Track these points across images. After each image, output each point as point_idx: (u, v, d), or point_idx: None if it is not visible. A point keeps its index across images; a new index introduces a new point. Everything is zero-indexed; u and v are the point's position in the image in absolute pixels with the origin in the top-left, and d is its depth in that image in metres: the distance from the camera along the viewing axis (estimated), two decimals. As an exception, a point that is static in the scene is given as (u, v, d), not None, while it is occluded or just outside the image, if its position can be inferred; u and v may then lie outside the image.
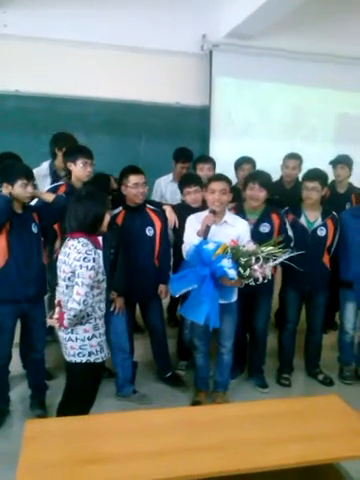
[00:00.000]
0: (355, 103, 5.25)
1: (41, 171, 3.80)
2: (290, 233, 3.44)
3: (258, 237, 3.12)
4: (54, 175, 3.78)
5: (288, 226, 3.45)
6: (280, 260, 3.07)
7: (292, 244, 3.38)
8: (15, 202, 2.86)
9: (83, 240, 2.37)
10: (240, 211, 3.40)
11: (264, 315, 3.61)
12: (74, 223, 2.42)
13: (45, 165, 3.85)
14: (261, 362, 3.74)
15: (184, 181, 3.57)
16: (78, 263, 2.33)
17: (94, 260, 2.35)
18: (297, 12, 4.42)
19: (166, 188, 4.24)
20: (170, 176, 4.27)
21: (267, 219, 3.38)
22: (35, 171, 3.77)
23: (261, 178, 3.35)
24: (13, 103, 4.47)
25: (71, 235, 2.44)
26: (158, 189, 4.30)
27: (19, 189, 2.82)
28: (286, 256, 3.08)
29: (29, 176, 2.87)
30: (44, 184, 3.67)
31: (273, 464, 1.90)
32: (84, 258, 2.32)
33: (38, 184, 3.70)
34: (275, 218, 3.40)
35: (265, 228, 3.35)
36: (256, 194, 3.32)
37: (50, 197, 3.06)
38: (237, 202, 3.49)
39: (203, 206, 3.28)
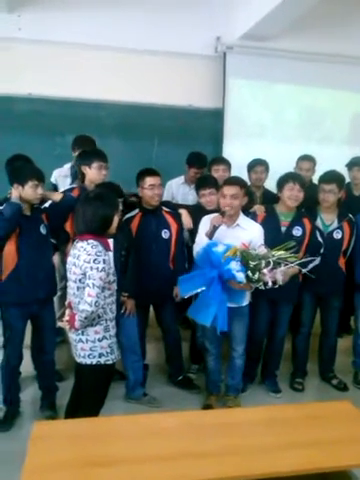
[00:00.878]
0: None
1: (62, 172, 3.83)
2: (320, 239, 3.39)
3: (291, 240, 3.01)
4: (75, 176, 3.78)
5: (318, 233, 3.40)
6: (310, 267, 3.13)
7: (322, 250, 3.35)
8: (24, 204, 2.87)
9: (92, 242, 2.36)
10: (272, 213, 3.36)
11: (285, 322, 3.57)
12: (82, 225, 2.42)
13: (67, 166, 3.87)
14: (276, 368, 3.70)
15: (200, 183, 3.56)
16: (88, 265, 2.32)
17: (104, 261, 2.34)
18: (311, 13, 4.37)
19: (177, 190, 4.23)
20: (182, 178, 4.25)
21: (299, 223, 3.33)
22: (57, 171, 3.82)
23: (301, 179, 3.31)
24: (26, 106, 4.50)
25: (80, 237, 2.43)
26: (169, 191, 4.28)
27: (29, 190, 2.83)
28: (311, 265, 3.15)
29: (39, 177, 2.88)
30: (65, 184, 3.69)
31: (283, 470, 1.88)
32: (94, 260, 2.32)
33: (59, 184, 3.73)
34: (307, 222, 3.35)
35: (297, 231, 3.29)
36: (295, 194, 3.25)
37: (58, 197, 3.07)
38: (268, 205, 3.47)
39: (219, 208, 3.26)
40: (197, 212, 3.43)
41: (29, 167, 3.03)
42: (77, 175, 3.68)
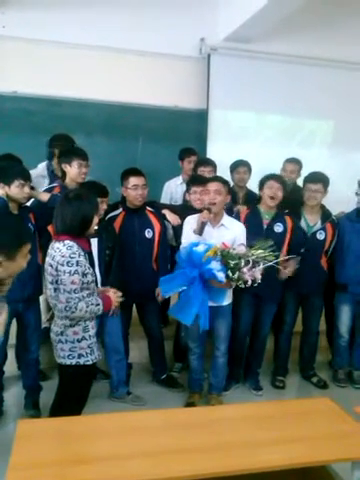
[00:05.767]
0: (352, 108, 5.26)
1: (37, 172, 3.79)
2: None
3: (272, 236, 3.16)
4: (52, 175, 3.78)
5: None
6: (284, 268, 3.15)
7: (303, 250, 3.41)
8: (11, 203, 2.87)
9: (68, 243, 2.32)
10: (255, 211, 3.43)
11: (269, 321, 3.62)
12: (61, 225, 2.38)
13: (42, 166, 3.85)
14: (258, 366, 3.75)
15: (193, 180, 3.61)
16: (62, 267, 2.28)
17: (78, 263, 2.30)
18: (295, 16, 4.44)
19: (176, 190, 4.27)
20: (179, 179, 4.30)
21: (281, 219, 3.40)
22: (32, 172, 3.79)
23: (281, 179, 3.40)
24: (11, 104, 4.46)
25: (57, 237, 2.39)
26: (168, 191, 4.33)
27: (16, 190, 2.83)
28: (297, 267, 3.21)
29: (26, 177, 2.88)
30: (42, 185, 3.68)
31: (263, 466, 1.90)
32: (67, 262, 2.28)
33: (36, 185, 3.71)
34: (288, 220, 3.43)
35: (278, 228, 3.37)
36: (274, 192, 3.32)
37: (45, 197, 3.07)
38: (252, 204, 3.55)
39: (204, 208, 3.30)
40: (183, 212, 3.46)
41: (15, 166, 3.03)
42: (55, 174, 3.70)
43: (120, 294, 2.59)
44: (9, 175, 2.84)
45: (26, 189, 2.87)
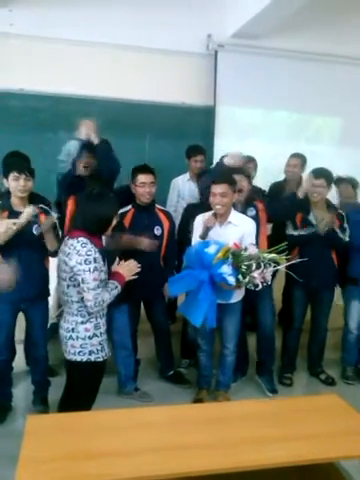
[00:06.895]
0: (361, 104, 5.23)
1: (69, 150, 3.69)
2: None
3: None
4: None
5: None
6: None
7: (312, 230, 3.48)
8: (15, 198, 2.89)
9: (82, 239, 2.34)
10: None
11: (270, 312, 3.59)
12: (79, 221, 2.42)
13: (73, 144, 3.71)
14: (272, 362, 3.70)
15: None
16: (81, 267, 2.30)
17: (95, 260, 2.33)
18: (303, 12, 4.40)
19: (184, 187, 4.30)
20: (186, 175, 4.32)
21: (252, 204, 3.42)
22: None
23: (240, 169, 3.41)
24: (18, 102, 4.47)
25: (71, 234, 2.41)
26: (175, 188, 4.36)
27: (12, 183, 2.84)
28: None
29: (20, 170, 2.85)
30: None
31: (270, 462, 1.90)
32: (85, 260, 2.30)
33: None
34: (259, 204, 3.45)
35: (251, 212, 3.39)
36: (240, 184, 3.32)
37: (47, 223, 2.94)
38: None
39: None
40: (198, 209, 3.46)
41: (13, 161, 3.06)
42: None
43: (134, 264, 2.59)
44: (7, 169, 2.87)
45: (21, 182, 2.84)
